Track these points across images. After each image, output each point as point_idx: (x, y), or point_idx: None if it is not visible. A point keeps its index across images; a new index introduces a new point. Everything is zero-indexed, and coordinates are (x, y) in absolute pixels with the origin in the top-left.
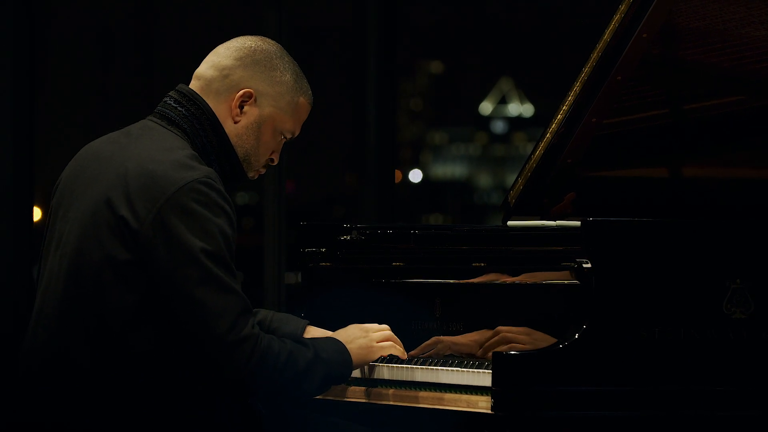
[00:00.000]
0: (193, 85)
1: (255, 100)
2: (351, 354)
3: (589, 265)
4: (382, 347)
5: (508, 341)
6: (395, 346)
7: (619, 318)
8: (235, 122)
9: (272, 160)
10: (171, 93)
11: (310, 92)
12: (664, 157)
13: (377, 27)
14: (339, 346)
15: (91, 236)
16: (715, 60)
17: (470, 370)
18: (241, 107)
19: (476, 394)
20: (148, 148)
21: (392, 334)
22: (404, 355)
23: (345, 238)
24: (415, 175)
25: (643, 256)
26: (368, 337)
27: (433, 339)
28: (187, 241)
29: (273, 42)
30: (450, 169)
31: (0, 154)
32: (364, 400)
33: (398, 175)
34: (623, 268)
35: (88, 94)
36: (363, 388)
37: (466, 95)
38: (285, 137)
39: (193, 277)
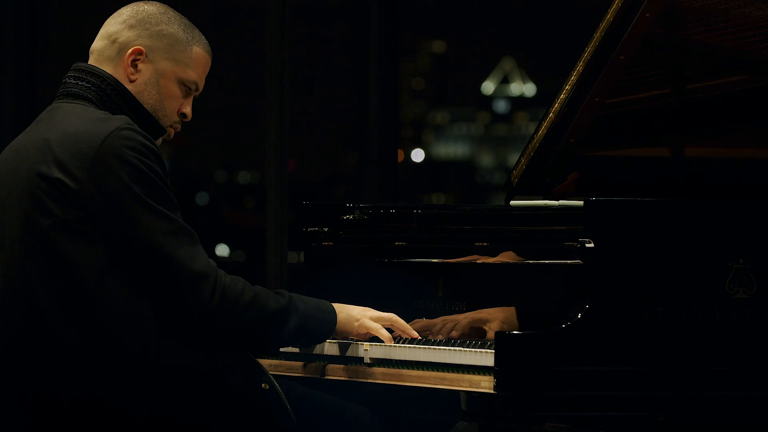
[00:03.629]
0: (90, 60)
1: (146, 56)
2: (338, 315)
3: (591, 245)
4: (369, 325)
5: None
6: (381, 330)
7: (622, 298)
8: (131, 81)
9: (184, 115)
10: (68, 73)
11: (205, 41)
12: (667, 137)
13: (379, 6)
14: (323, 305)
15: (34, 210)
16: (718, 40)
17: (473, 349)
18: (135, 66)
19: (479, 373)
20: (63, 119)
21: (394, 318)
22: (389, 341)
23: (347, 218)
24: (417, 155)
25: (645, 235)
26: (363, 313)
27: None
28: (128, 187)
29: (156, 2)
30: (452, 149)
31: (3, 136)
32: (365, 380)
33: (400, 154)
34: (626, 247)
35: None
36: (364, 367)
37: (467, 75)
38: (189, 89)
39: (142, 222)
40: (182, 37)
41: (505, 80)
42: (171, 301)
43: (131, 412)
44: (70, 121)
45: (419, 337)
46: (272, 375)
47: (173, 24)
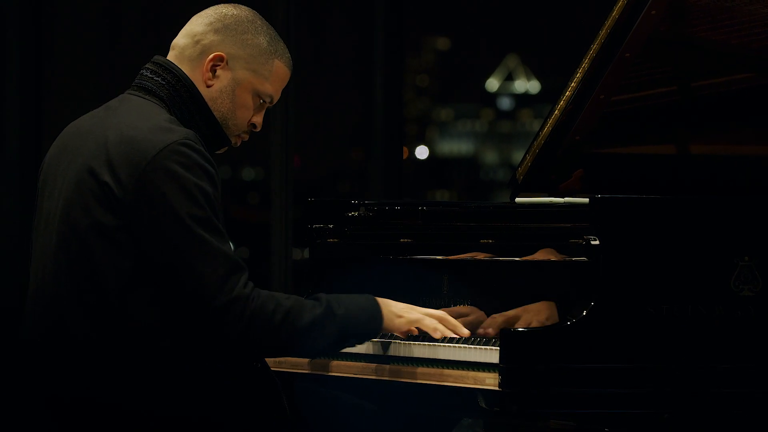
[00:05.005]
0: (169, 55)
1: (227, 64)
2: (383, 311)
3: (597, 242)
4: (422, 320)
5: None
6: (438, 326)
7: (627, 295)
8: (208, 86)
9: (254, 126)
10: (147, 65)
11: (288, 55)
12: (672, 134)
13: (385, 2)
14: (366, 303)
15: (77, 204)
16: (724, 37)
17: (477, 346)
18: (213, 71)
19: (483, 370)
20: (127, 117)
21: (443, 315)
22: (452, 334)
23: (353, 215)
24: (421, 152)
25: (651, 232)
26: (407, 310)
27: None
28: (170, 205)
29: (246, 8)
30: (456, 146)
31: (8, 131)
32: (368, 376)
33: (404, 151)
34: (631, 244)
35: (95, 69)
36: (368, 363)
37: (472, 72)
38: (264, 101)
39: (178, 242)
40: (266, 48)
41: (510, 77)
42: (198, 323)
43: (139, 417)
44: (133, 122)
45: (469, 334)
46: (277, 371)
47: (259, 34)
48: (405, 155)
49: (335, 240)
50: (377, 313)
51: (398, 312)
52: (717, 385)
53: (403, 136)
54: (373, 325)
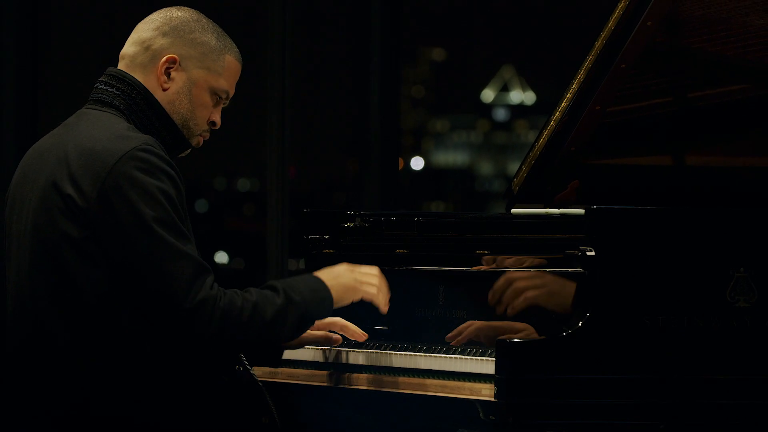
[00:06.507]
0: (120, 65)
1: (180, 65)
2: (332, 291)
3: (592, 253)
4: (367, 291)
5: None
6: (377, 296)
7: (623, 306)
8: (164, 90)
9: (213, 124)
10: (101, 77)
11: (236, 49)
12: (668, 146)
13: (381, 13)
14: (316, 285)
15: (44, 219)
16: (720, 48)
17: (474, 357)
18: (168, 74)
19: (480, 381)
20: (86, 130)
21: (381, 277)
22: (384, 307)
23: (348, 225)
24: (417, 163)
25: (646, 244)
26: (354, 276)
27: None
28: (134, 210)
29: (188, 8)
30: (452, 157)
31: (6, 134)
32: (366, 387)
33: (400, 162)
34: (627, 256)
35: (93, 71)
36: (366, 375)
37: (467, 83)
38: (220, 98)
39: (144, 246)
40: (215, 45)
41: (505, 88)
42: (169, 326)
43: (126, 425)
44: (91, 134)
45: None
46: (271, 382)
47: (207, 32)
48: (400, 166)
49: (331, 251)
50: (328, 294)
51: (347, 284)
52: (713, 396)
53: (399, 147)
54: (327, 305)
